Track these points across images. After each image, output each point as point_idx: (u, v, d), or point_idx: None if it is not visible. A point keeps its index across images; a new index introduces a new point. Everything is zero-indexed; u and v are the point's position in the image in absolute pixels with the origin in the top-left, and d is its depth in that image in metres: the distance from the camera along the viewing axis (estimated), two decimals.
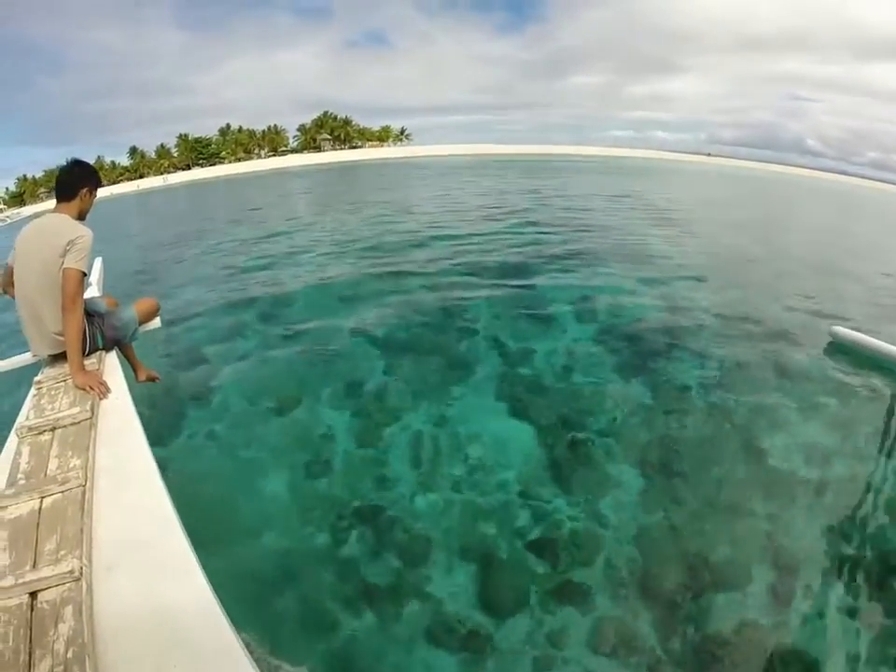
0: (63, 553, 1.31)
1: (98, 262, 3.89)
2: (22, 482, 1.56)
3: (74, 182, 2.30)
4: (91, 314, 2.41)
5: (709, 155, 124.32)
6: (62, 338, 2.16)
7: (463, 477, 3.52)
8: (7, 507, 1.47)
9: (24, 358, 2.53)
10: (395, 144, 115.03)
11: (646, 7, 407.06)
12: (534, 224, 12.96)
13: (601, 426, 4.09)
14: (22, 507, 1.47)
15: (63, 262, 2.10)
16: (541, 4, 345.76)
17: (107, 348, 2.45)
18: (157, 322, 2.77)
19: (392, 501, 3.33)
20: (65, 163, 2.38)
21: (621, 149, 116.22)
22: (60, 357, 2.29)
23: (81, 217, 2.34)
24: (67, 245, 2.11)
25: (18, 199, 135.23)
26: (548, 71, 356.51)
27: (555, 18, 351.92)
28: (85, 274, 2.16)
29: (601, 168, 48.54)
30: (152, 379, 2.92)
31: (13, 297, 2.30)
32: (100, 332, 2.41)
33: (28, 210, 76.37)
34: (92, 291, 3.10)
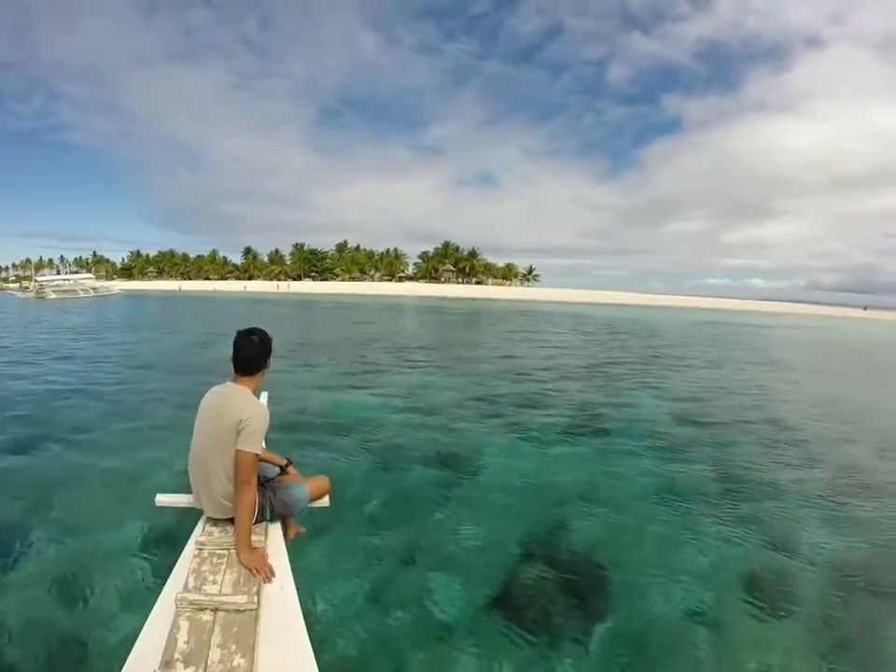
0: None
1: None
2: (180, 665, 1.47)
3: (260, 358, 2.29)
4: (261, 480, 2.40)
5: (865, 309, 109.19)
6: (229, 504, 2.16)
7: None
8: None
9: (185, 500, 2.47)
10: (522, 283, 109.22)
11: (739, 153, 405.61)
12: None
13: None
14: None
15: (236, 442, 2.10)
16: (639, 150, 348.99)
17: (273, 520, 2.41)
18: (326, 501, 2.65)
19: None
20: (246, 334, 2.29)
21: (777, 304, 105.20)
22: (223, 520, 2.25)
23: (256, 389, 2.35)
24: (240, 424, 2.10)
25: (127, 272, 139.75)
26: (646, 217, 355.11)
27: (653, 164, 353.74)
28: (258, 456, 2.14)
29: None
30: (298, 533, 2.79)
31: None
32: (269, 505, 2.36)
33: (118, 286, 73.45)
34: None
